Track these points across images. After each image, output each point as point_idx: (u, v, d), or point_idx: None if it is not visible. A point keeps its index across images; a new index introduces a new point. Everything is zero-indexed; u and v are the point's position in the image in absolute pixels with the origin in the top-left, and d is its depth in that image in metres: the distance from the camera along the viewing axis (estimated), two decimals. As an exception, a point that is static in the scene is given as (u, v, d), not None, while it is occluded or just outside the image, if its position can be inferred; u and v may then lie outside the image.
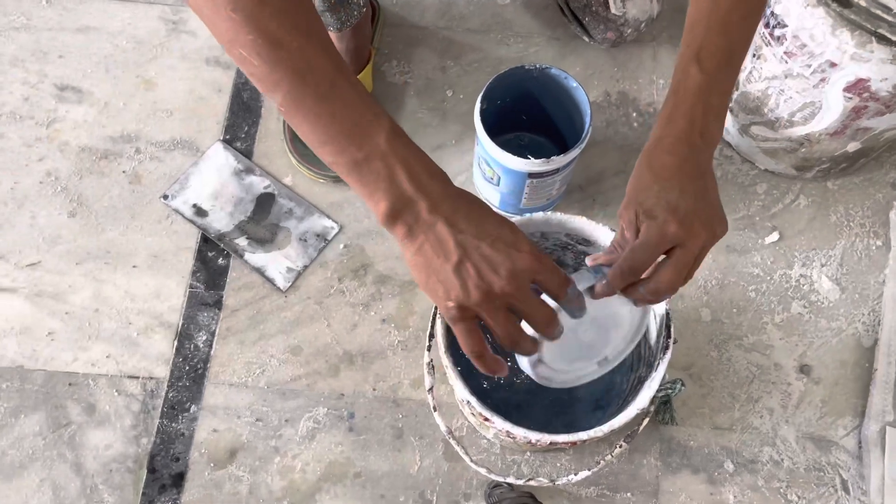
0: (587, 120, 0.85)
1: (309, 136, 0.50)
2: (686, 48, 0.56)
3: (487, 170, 0.90)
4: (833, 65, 0.79)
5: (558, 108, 0.91)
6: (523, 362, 0.62)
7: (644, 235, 0.54)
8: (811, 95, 0.84)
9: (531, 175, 0.86)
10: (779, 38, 0.82)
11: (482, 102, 0.85)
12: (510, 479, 0.68)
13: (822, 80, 0.81)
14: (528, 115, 0.94)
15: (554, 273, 0.52)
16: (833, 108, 0.84)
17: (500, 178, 0.89)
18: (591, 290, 0.56)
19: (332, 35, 0.93)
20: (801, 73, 0.82)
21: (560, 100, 0.90)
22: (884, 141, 0.91)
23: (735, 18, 0.57)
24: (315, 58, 0.49)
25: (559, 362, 0.63)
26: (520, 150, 0.84)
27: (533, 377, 0.63)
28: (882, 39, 0.72)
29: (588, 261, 0.58)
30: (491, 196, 0.95)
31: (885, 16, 0.71)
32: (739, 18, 0.57)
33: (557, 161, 0.84)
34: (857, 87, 0.79)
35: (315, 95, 0.49)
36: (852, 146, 0.90)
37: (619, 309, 0.63)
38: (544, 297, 0.55)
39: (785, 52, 0.82)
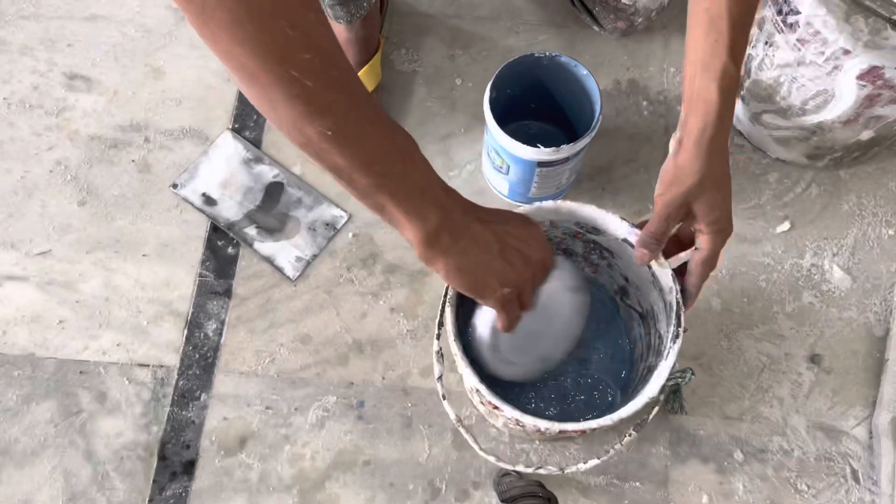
0: (597, 109, 0.85)
1: (354, 159, 0.48)
2: (715, 40, 0.57)
3: (496, 159, 0.89)
4: (847, 52, 0.78)
5: (568, 97, 0.91)
6: (485, 349, 0.66)
7: (712, 247, 0.60)
8: (824, 83, 0.83)
9: (540, 164, 0.86)
10: (791, 25, 0.81)
11: (491, 91, 0.85)
12: (519, 468, 0.68)
13: (836, 67, 0.80)
14: (538, 104, 0.94)
15: (550, 247, 0.61)
16: (846, 96, 0.83)
17: (509, 167, 0.89)
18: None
19: (342, 26, 0.92)
20: (815, 60, 0.82)
21: (570, 88, 0.89)
22: (897, 129, 0.90)
23: (750, 15, 0.59)
24: (355, 78, 0.48)
25: (511, 353, 0.68)
26: (529, 139, 0.84)
27: (490, 365, 0.68)
28: (897, 26, 0.71)
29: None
30: (500, 185, 0.95)
31: (900, 2, 0.70)
32: (751, 13, 0.59)
33: (567, 150, 0.83)
34: (871, 74, 0.79)
35: (368, 116, 0.48)
36: (865, 134, 0.90)
37: (561, 302, 0.67)
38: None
39: (798, 40, 0.82)
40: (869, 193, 0.98)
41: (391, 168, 0.50)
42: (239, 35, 0.42)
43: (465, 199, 0.55)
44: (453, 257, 0.53)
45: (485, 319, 0.65)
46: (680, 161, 0.58)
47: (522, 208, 0.68)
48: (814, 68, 0.82)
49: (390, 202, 0.50)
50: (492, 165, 0.92)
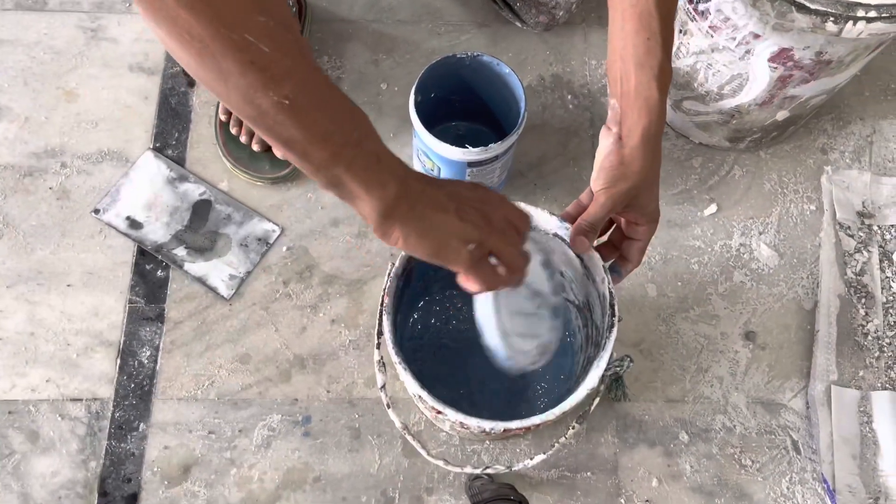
0: (522, 106, 0.85)
1: (311, 130, 0.46)
2: (648, 38, 0.58)
3: (427, 161, 0.89)
4: (756, 36, 0.80)
5: (494, 96, 0.91)
6: (492, 337, 0.63)
7: (648, 237, 0.65)
8: (738, 67, 0.85)
9: (470, 164, 0.85)
10: (703, 12, 0.83)
11: (416, 94, 0.84)
12: (467, 469, 0.68)
13: (748, 51, 0.83)
14: (464, 104, 0.94)
15: (515, 206, 0.59)
16: (759, 78, 0.85)
17: (440, 170, 0.88)
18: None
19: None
20: (727, 45, 0.84)
21: (494, 87, 0.89)
22: (810, 108, 0.93)
23: (675, 9, 0.61)
24: (307, 44, 0.47)
25: (519, 339, 0.65)
26: (458, 140, 0.84)
27: (500, 351, 0.64)
28: (801, 8, 0.73)
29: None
30: (432, 187, 0.94)
31: (801, -15, 0.72)
32: (675, 5, 0.61)
33: (495, 149, 0.84)
34: (781, 56, 0.81)
35: (323, 83, 0.46)
36: (781, 115, 0.92)
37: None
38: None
39: (710, 27, 0.84)
40: (789, 171, 1.01)
41: (348, 138, 0.47)
42: (188, 4, 0.40)
43: (411, 168, 0.54)
44: (411, 223, 0.51)
45: (485, 304, 0.63)
46: (626, 157, 0.60)
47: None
48: (727, 53, 0.84)
49: (347, 175, 0.48)
50: (423, 169, 0.92)
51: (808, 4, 0.73)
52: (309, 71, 0.46)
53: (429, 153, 0.86)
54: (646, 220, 0.64)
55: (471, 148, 0.83)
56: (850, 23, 0.72)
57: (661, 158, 0.63)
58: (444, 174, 0.88)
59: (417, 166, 0.94)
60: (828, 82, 0.86)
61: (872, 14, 0.71)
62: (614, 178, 0.60)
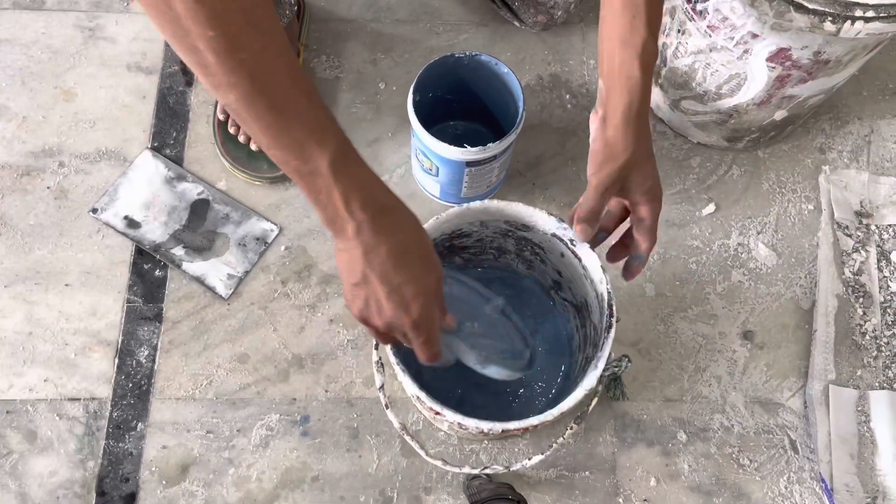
0: (520, 105, 0.85)
1: (257, 137, 0.49)
2: (633, 16, 0.58)
3: (425, 161, 0.89)
4: (755, 36, 0.80)
5: (492, 95, 0.91)
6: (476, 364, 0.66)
7: (653, 215, 0.63)
8: (736, 67, 0.85)
9: (469, 164, 0.85)
10: (701, 12, 0.83)
11: (415, 93, 0.84)
12: (465, 469, 0.68)
13: (746, 51, 0.83)
14: (463, 104, 0.94)
15: (425, 343, 0.58)
16: (758, 78, 0.85)
17: (438, 169, 0.88)
18: (627, 272, 0.65)
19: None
20: (725, 45, 0.84)
21: (493, 86, 0.89)
22: (808, 108, 0.93)
23: None
24: (273, 63, 0.47)
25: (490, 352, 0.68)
26: (456, 140, 0.84)
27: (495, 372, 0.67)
28: (799, 8, 0.74)
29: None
30: (431, 187, 0.94)
31: (799, -15, 0.72)
32: None
33: (494, 148, 0.84)
34: (779, 56, 0.81)
35: (268, 105, 0.48)
36: (779, 114, 0.92)
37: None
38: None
39: (708, 26, 0.84)
40: (787, 171, 1.01)
41: (290, 160, 0.50)
42: (151, 4, 0.43)
43: (378, 227, 0.53)
44: (337, 247, 0.55)
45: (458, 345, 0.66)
46: (610, 138, 0.60)
47: (452, 210, 0.68)
48: (725, 53, 0.84)
49: (294, 181, 0.52)
50: (421, 168, 0.92)
51: (806, 4, 0.73)
52: (253, 93, 0.47)
53: (427, 152, 0.86)
54: (646, 199, 0.62)
55: (469, 147, 0.83)
56: (848, 22, 0.72)
57: (650, 135, 0.61)
58: (443, 173, 0.88)
59: (416, 166, 0.94)
60: (826, 82, 0.86)
61: (870, 14, 0.71)
62: (601, 161, 0.60)
